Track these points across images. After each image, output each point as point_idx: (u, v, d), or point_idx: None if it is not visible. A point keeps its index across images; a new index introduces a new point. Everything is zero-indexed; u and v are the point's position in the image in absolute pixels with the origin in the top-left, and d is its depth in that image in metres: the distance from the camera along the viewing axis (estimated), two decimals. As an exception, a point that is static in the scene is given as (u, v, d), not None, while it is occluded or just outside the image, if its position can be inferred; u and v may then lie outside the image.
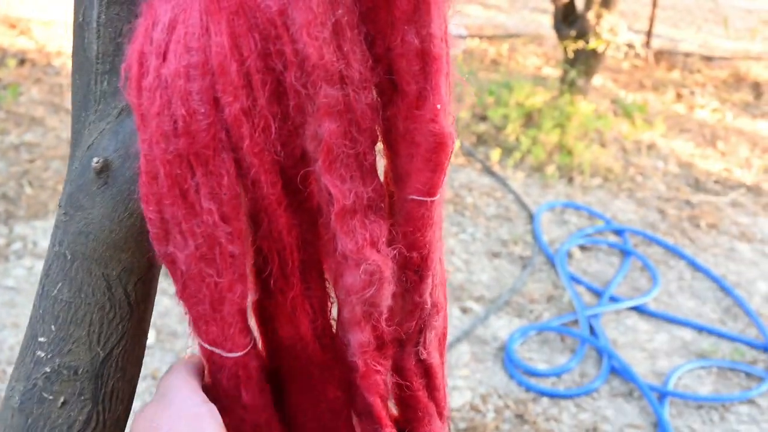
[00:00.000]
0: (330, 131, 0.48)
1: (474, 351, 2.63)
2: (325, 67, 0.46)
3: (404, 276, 0.56)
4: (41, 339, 0.48)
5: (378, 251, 0.52)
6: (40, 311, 0.49)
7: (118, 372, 0.50)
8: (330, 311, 0.57)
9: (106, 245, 0.48)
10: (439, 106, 0.52)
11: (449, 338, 2.67)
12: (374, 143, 0.53)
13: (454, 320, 2.77)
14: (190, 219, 0.47)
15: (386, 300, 0.54)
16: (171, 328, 2.61)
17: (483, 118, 4.43)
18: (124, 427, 0.52)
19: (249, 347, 0.52)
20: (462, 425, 2.31)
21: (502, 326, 2.77)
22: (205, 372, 0.54)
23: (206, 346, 0.51)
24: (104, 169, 0.46)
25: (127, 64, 0.46)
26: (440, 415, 0.63)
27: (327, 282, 0.56)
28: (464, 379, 2.50)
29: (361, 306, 0.53)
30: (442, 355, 0.62)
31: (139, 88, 0.45)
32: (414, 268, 0.56)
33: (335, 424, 0.59)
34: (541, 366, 2.58)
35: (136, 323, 0.50)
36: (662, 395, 2.46)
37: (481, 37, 6.16)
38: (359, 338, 0.54)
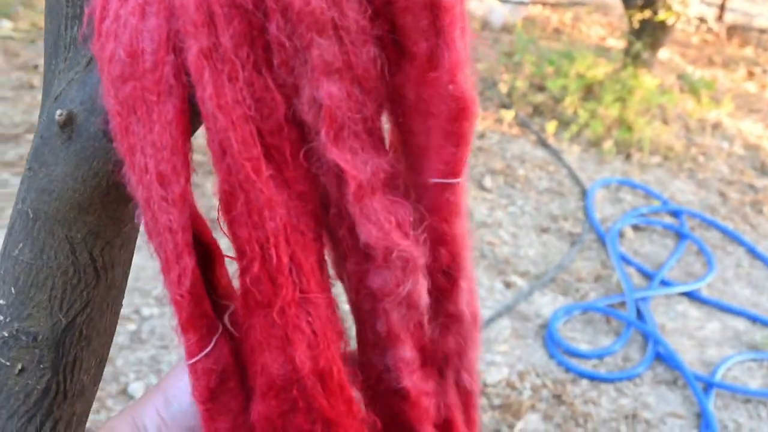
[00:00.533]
0: (330, 94, 0.41)
1: (515, 327, 2.57)
2: (313, 15, 0.40)
3: (432, 281, 0.46)
4: (0, 301, 0.45)
5: (407, 236, 0.43)
6: (1, 272, 0.45)
7: (82, 341, 0.46)
8: (342, 337, 0.45)
9: (69, 205, 0.44)
10: (457, 66, 0.45)
11: (490, 312, 2.62)
12: (381, 107, 0.47)
13: (497, 294, 2.72)
14: (136, 180, 0.41)
15: (424, 298, 0.45)
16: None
17: (541, 89, 4.31)
18: (92, 398, 0.49)
19: (196, 358, 0.43)
20: (497, 401, 2.26)
21: (546, 303, 2.70)
22: None
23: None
24: (68, 123, 0.42)
25: (91, 8, 0.42)
26: None
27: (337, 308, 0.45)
28: (502, 354, 2.45)
29: (397, 311, 0.44)
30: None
31: (99, 33, 0.41)
32: (443, 269, 0.46)
33: None
34: (584, 347, 2.51)
35: (103, 290, 0.47)
36: (708, 386, 2.37)
37: (544, 4, 5.99)
38: (402, 354, 0.45)
